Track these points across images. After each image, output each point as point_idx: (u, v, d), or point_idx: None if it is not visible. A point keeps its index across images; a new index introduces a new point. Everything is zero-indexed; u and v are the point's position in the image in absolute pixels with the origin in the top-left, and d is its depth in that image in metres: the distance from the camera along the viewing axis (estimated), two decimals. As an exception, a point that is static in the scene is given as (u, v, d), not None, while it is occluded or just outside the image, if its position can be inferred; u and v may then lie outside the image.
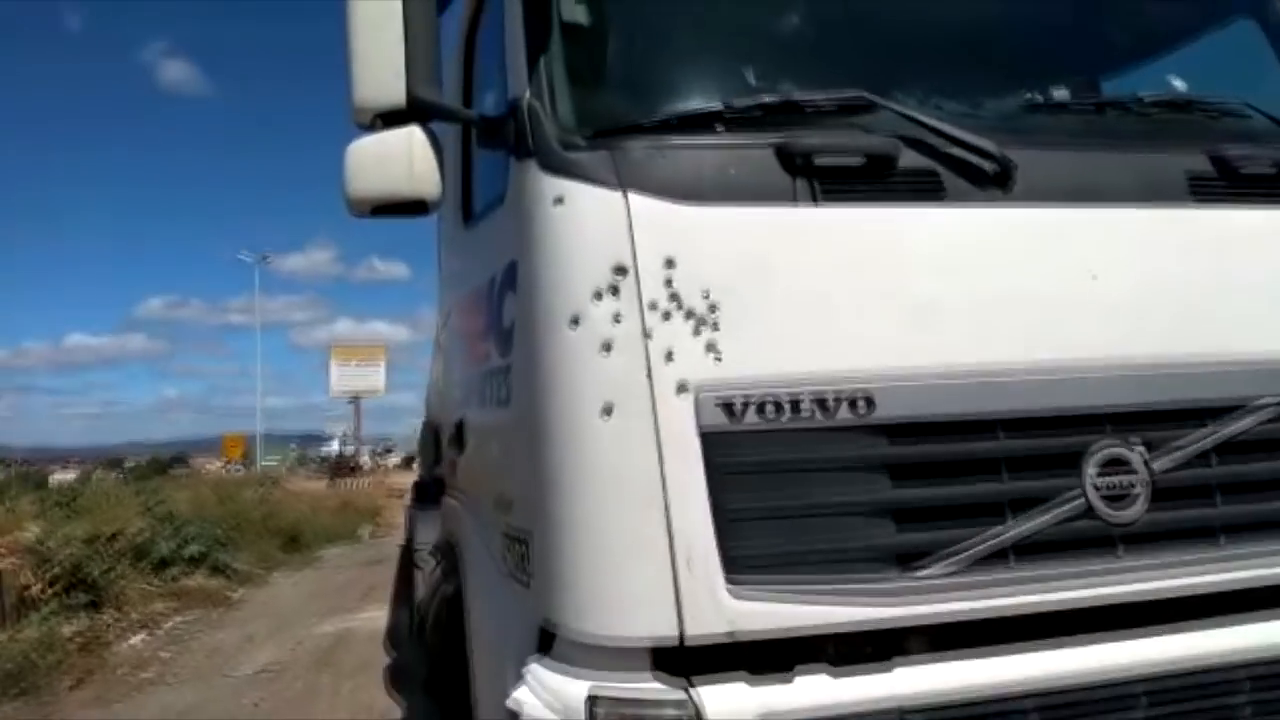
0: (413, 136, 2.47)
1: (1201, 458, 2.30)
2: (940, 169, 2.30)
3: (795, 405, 2.11)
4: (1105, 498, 2.24)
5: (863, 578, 2.11)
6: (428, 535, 6.20)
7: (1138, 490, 2.26)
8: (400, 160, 2.46)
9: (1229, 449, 2.32)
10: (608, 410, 2.10)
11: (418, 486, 8.78)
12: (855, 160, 2.26)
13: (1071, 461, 2.25)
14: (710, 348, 2.12)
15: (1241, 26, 3.08)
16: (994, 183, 2.31)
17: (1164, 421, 2.30)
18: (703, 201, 2.19)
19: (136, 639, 10.49)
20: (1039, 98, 2.58)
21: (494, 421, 2.76)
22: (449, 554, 3.69)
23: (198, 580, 13.30)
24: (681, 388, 2.09)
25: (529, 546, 2.30)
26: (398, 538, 14.08)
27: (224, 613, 12.29)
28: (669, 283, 2.13)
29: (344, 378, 47.08)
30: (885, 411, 2.15)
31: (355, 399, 48.23)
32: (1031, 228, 2.33)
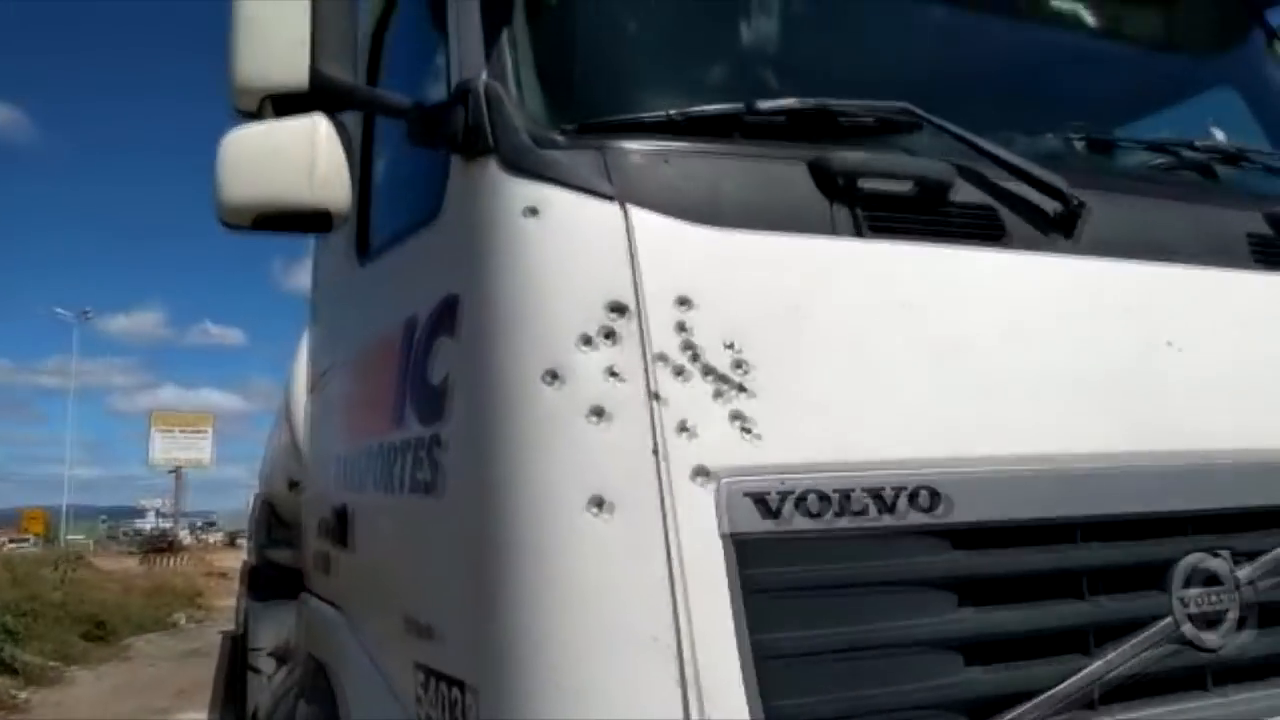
0: (316, 128, 1.86)
1: None
2: (998, 206, 1.87)
3: (846, 499, 1.57)
4: (1193, 618, 1.81)
5: None
6: (267, 634, 5.35)
7: (1227, 607, 1.84)
8: (298, 158, 1.84)
9: None
10: (598, 504, 1.50)
11: (252, 572, 7.83)
12: (905, 188, 1.79)
13: (1157, 575, 1.82)
14: (737, 418, 1.56)
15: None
16: (1058, 227, 1.90)
17: (1254, 526, 1.90)
18: (721, 224, 1.66)
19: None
20: (1092, 134, 2.20)
21: (405, 513, 2.08)
22: (314, 674, 2.92)
23: (-25, 679, 11.51)
24: (701, 473, 1.53)
25: (464, 695, 1.64)
26: (220, 624, 12.78)
27: (3, 719, 10.58)
28: (682, 327, 1.58)
29: (166, 448, 44.53)
30: (954, 510, 1.64)
31: (177, 470, 45.36)
32: (1101, 284, 1.92)
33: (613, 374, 1.54)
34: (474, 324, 1.70)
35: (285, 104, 1.85)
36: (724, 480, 1.53)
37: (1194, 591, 1.82)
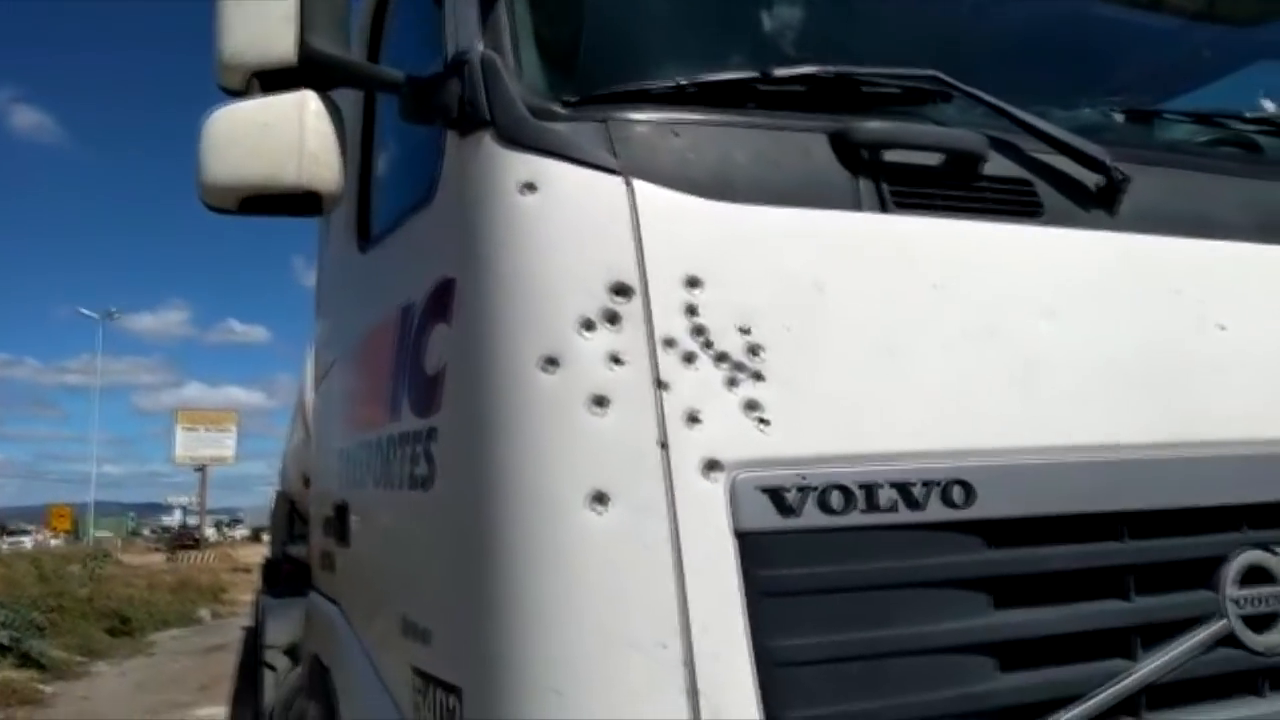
0: (305, 105, 1.76)
1: None
2: (1034, 179, 1.74)
3: (871, 494, 1.45)
4: (1246, 619, 1.69)
5: None
6: (280, 630, 5.28)
7: None
8: (286, 136, 1.75)
9: None
10: (600, 499, 1.39)
11: (268, 567, 7.82)
12: (934, 160, 1.67)
13: (1207, 573, 1.69)
14: (751, 407, 1.44)
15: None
16: (1099, 202, 1.77)
17: None
18: (734, 199, 1.54)
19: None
20: (1134, 106, 2.06)
21: (402, 509, 1.98)
22: (315, 671, 2.84)
23: (2, 674, 11.61)
24: (711, 466, 1.41)
25: (461, 702, 1.53)
26: (242, 619, 12.82)
27: (30, 713, 10.65)
28: (692, 310, 1.46)
29: (190, 444, 44.98)
30: (988, 505, 1.52)
31: (201, 467, 45.75)
32: (1146, 262, 1.78)
33: (615, 360, 1.43)
34: (468, 308, 1.59)
35: (273, 80, 1.76)
36: (736, 474, 1.41)
37: (1247, 591, 1.69)
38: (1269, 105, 2.23)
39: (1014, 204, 1.71)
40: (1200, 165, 1.98)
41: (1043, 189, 1.74)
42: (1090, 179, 1.76)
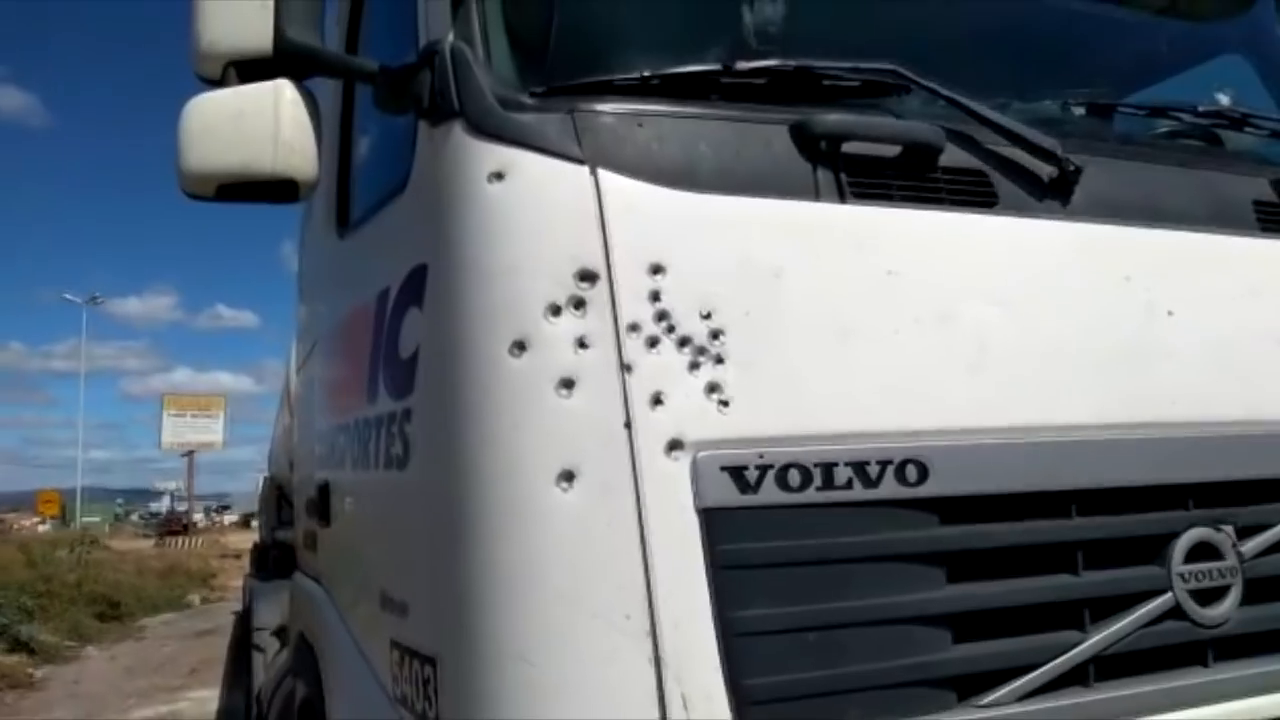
0: (280, 94, 1.80)
1: None
2: (989, 170, 1.80)
3: (828, 472, 1.52)
4: (1193, 593, 1.76)
5: (915, 713, 1.52)
6: (269, 613, 5.34)
7: (1229, 581, 1.79)
8: (262, 125, 1.78)
9: None
10: (567, 477, 1.45)
11: (257, 552, 7.85)
12: (891, 150, 1.72)
13: (1156, 549, 1.76)
14: (713, 389, 1.50)
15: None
16: (1053, 192, 1.82)
17: (1257, 498, 1.83)
18: (698, 188, 1.59)
19: (-98, 734, 8.89)
20: (1090, 100, 2.11)
21: (379, 489, 2.03)
22: (302, 650, 2.90)
23: (-8, 657, 11.60)
24: (674, 445, 1.47)
25: (436, 671, 1.59)
26: (232, 604, 12.86)
27: (20, 697, 10.66)
28: (655, 296, 1.51)
29: (178, 430, 44.77)
30: (941, 483, 1.59)
31: (189, 453, 45.60)
32: (1097, 250, 1.84)
33: (582, 344, 1.48)
34: (440, 294, 1.64)
35: (250, 70, 1.80)
36: (699, 453, 1.47)
37: (1194, 566, 1.76)
38: (1223, 98, 2.29)
39: (969, 194, 1.77)
40: (1154, 157, 2.04)
41: (997, 180, 1.79)
42: (1044, 170, 1.82)
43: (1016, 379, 1.70)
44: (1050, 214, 1.82)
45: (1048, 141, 1.79)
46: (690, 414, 1.49)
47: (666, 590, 1.42)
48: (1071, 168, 1.82)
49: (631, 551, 1.43)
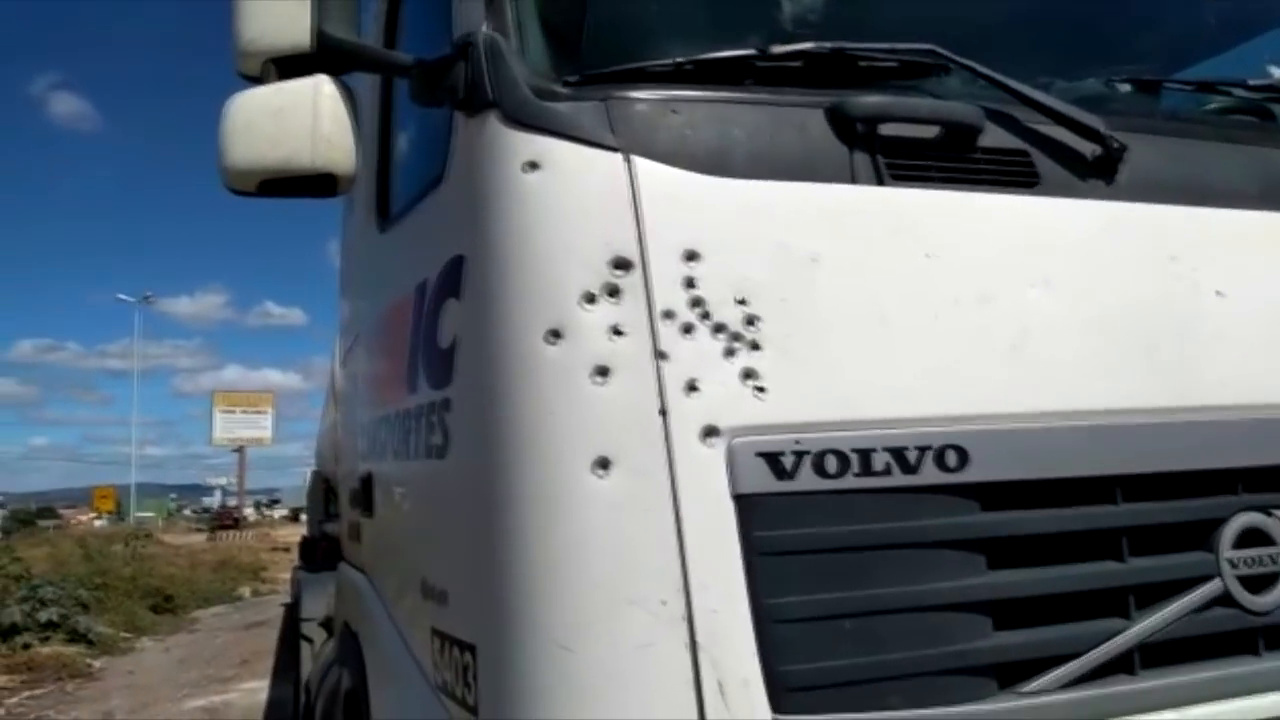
0: (320, 90, 1.83)
1: None
2: (1031, 149, 1.77)
3: (866, 458, 1.50)
4: (1242, 579, 1.72)
5: (956, 701, 1.51)
6: (316, 604, 5.42)
7: (1279, 570, 1.74)
8: (301, 121, 1.81)
9: None
10: (602, 464, 1.45)
11: (305, 544, 7.98)
12: (930, 131, 1.70)
13: (1204, 535, 1.72)
14: (749, 375, 1.50)
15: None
16: (1096, 171, 1.79)
17: None
18: (732, 174, 1.58)
19: (-31, 721, 9.16)
20: (1134, 76, 2.06)
21: (419, 478, 2.05)
22: (346, 639, 2.94)
23: (52, 648, 11.91)
24: (710, 432, 1.47)
25: (475, 658, 1.61)
26: (282, 597, 13.07)
27: (80, 686, 10.92)
28: (690, 283, 1.51)
29: (228, 426, 45.53)
30: (982, 469, 1.56)
31: (240, 449, 46.39)
32: (1143, 230, 1.80)
33: (617, 332, 1.48)
34: (476, 284, 1.65)
35: (289, 66, 1.82)
36: (735, 440, 1.47)
37: (1244, 552, 1.72)
38: (1276, 71, 2.22)
39: (1010, 175, 1.74)
40: (1202, 134, 1.99)
41: (1039, 159, 1.76)
42: (1087, 149, 1.78)
43: (1059, 362, 1.67)
44: (1094, 194, 1.78)
45: (1091, 119, 1.76)
46: (726, 401, 1.48)
47: (702, 577, 1.42)
48: (1116, 145, 1.78)
49: (667, 538, 1.43)
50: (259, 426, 46.42)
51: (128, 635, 14.18)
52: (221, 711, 9.06)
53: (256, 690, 9.39)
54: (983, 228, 1.70)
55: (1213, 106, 2.14)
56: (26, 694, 10.30)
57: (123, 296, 52.23)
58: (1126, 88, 2.07)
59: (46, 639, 12.09)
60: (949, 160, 1.70)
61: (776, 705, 1.41)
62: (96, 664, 12.15)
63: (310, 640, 5.38)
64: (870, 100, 1.67)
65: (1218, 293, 1.80)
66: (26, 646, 11.62)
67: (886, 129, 1.67)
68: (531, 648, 1.45)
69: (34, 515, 52.66)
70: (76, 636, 12.70)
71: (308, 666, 5.19)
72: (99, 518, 46.50)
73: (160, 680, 10.96)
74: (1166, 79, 2.17)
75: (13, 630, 11.72)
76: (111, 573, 17.04)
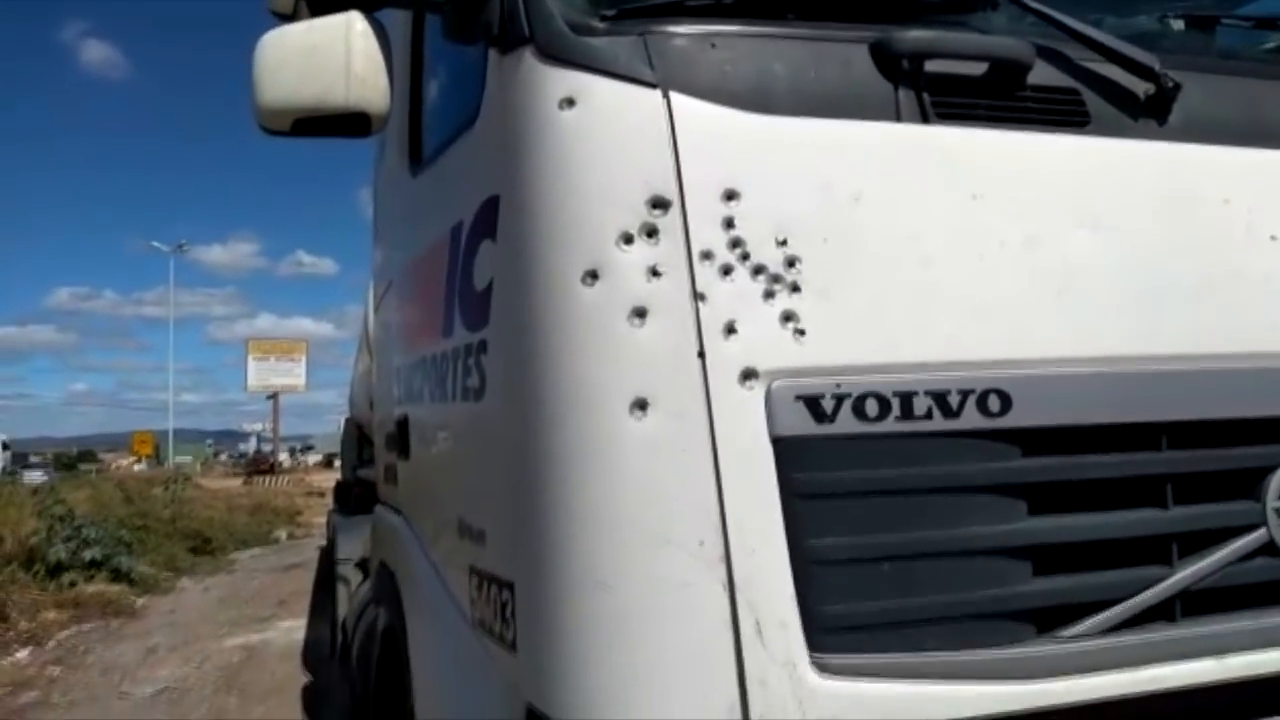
0: (351, 27, 1.81)
1: None
2: (1081, 88, 1.71)
3: (907, 402, 1.48)
4: None
5: (993, 644, 1.50)
6: (352, 546, 5.52)
7: None
8: (334, 58, 1.79)
9: None
10: (640, 405, 1.44)
11: (340, 488, 8.10)
12: (977, 68, 1.65)
13: (1250, 483, 1.69)
14: (788, 318, 1.48)
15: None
16: (1149, 111, 1.73)
17: None
18: (773, 111, 1.55)
19: (22, 654, 9.44)
20: (1181, 11, 1.99)
21: (456, 420, 2.06)
22: (383, 578, 2.98)
23: (96, 587, 12.24)
24: (748, 374, 1.45)
25: (514, 596, 1.62)
26: (318, 540, 13.32)
27: (124, 623, 11.24)
28: (729, 223, 1.49)
29: (262, 373, 46.13)
30: (1025, 414, 1.54)
31: (274, 395, 47.03)
32: (1196, 172, 1.75)
33: (655, 273, 1.46)
34: (512, 224, 1.63)
35: (320, 3, 1.80)
36: (774, 383, 1.45)
37: None
38: None
39: (1059, 113, 1.69)
40: (1258, 72, 1.92)
41: (1090, 98, 1.71)
42: (1140, 87, 1.72)
43: (1106, 306, 1.63)
44: (1146, 134, 1.73)
45: (1144, 56, 1.70)
46: (765, 343, 1.46)
47: (740, 518, 1.42)
48: (1170, 84, 1.72)
49: (705, 480, 1.42)
50: (293, 374, 47.00)
51: (168, 575, 14.54)
52: (260, 649, 9.29)
53: (294, 629, 9.60)
54: (1031, 168, 1.65)
55: (1271, 44, 2.06)
56: (73, 630, 10.62)
57: (157, 244, 52.78)
58: (1180, 24, 1.99)
59: (91, 578, 12.42)
60: (997, 98, 1.65)
61: (814, 645, 1.41)
62: (139, 602, 12.49)
63: (346, 581, 5.47)
64: (916, 35, 1.62)
65: (1272, 237, 1.75)
66: (73, 584, 11.95)
67: (932, 65, 1.62)
68: (570, 586, 1.46)
69: (75, 459, 53.88)
70: (119, 576, 13.03)
71: (344, 606, 5.29)
72: (138, 462, 47.50)
73: (200, 619, 11.25)
74: (1223, 14, 2.09)
75: (59, 568, 12.03)
76: (151, 515, 17.43)
